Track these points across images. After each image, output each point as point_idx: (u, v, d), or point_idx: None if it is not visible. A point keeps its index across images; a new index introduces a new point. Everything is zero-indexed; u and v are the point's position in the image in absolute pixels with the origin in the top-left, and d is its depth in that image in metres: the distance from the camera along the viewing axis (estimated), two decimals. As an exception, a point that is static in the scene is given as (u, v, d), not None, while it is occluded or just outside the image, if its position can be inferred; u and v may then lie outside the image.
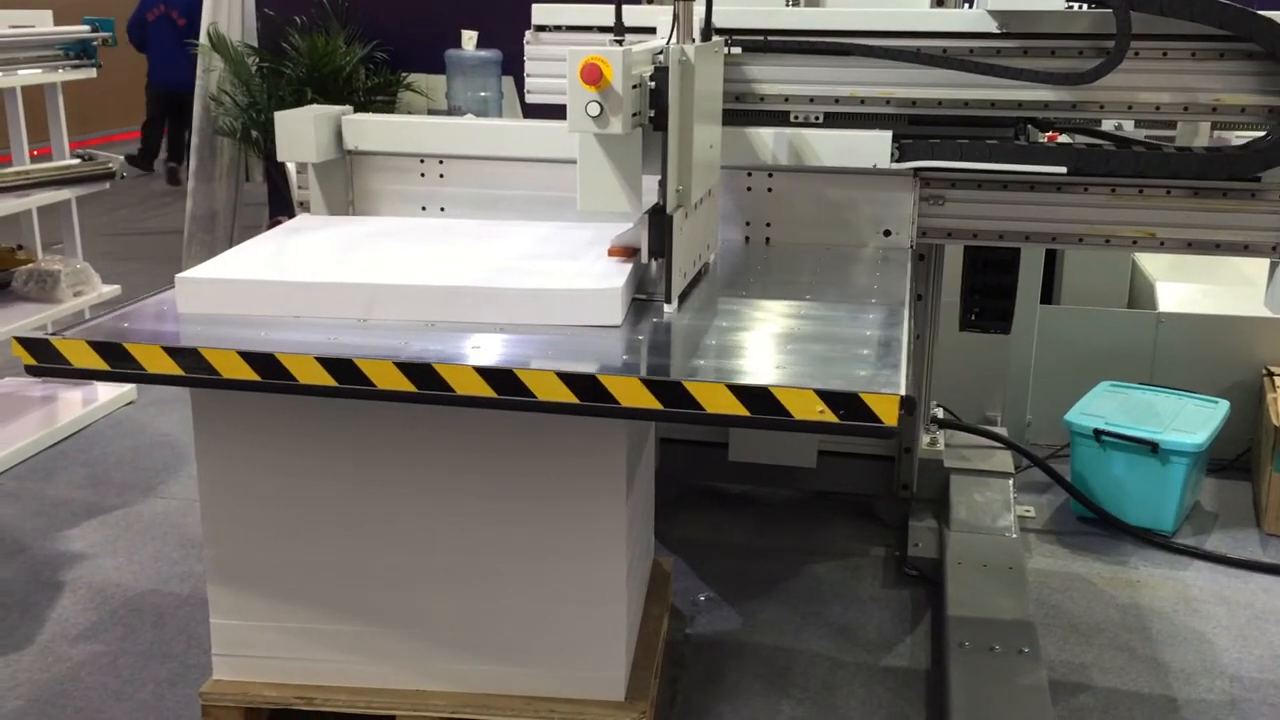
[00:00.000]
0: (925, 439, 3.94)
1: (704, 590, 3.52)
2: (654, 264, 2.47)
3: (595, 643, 2.64)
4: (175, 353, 2.17)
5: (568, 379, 2.04)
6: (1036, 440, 4.50)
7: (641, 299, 2.48)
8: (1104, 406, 4.09)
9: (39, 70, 4.79)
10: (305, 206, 3.25)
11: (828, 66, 3.10)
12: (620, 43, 2.47)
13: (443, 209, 3.19)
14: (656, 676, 2.85)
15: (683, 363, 2.18)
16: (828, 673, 3.12)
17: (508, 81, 7.32)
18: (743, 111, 3.17)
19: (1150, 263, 4.98)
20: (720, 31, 2.92)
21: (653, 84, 2.33)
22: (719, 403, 1.99)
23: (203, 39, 7.15)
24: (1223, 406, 4.07)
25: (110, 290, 4.92)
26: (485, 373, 2.06)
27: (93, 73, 5.00)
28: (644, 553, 3.06)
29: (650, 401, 2.02)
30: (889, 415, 1.93)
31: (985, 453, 4.00)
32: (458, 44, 7.03)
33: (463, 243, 2.80)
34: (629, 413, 2.04)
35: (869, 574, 3.65)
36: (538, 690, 2.66)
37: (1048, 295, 4.85)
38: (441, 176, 3.19)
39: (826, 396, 1.95)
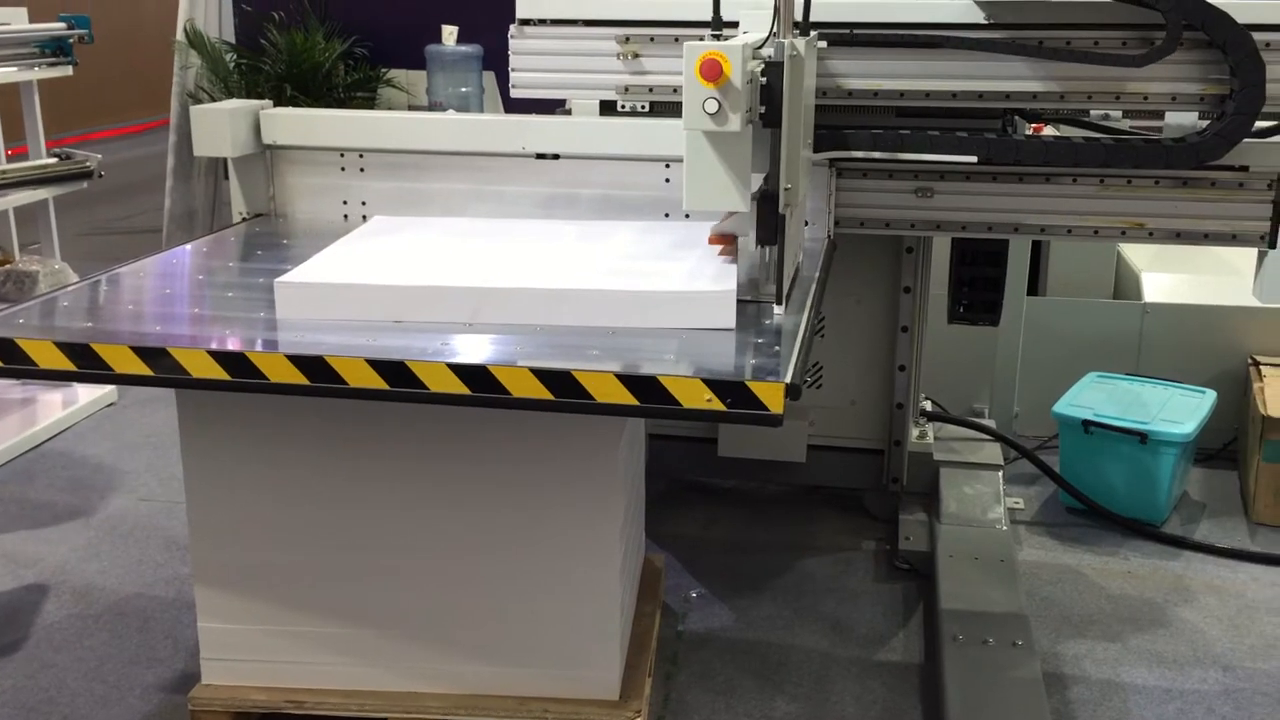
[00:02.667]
0: (914, 432, 3.94)
1: (695, 587, 3.50)
2: (753, 263, 2.43)
3: (588, 642, 2.62)
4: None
5: (458, 370, 2.03)
6: (1024, 432, 4.50)
7: (745, 301, 2.39)
8: (1091, 397, 4.09)
9: (14, 68, 4.73)
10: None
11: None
12: (719, 37, 2.42)
13: (364, 203, 3.17)
14: (649, 675, 2.83)
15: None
16: (821, 668, 3.11)
17: (489, 76, 7.28)
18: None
19: (1135, 253, 4.99)
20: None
21: (764, 79, 2.27)
22: (608, 392, 2.00)
23: (179, 35, 7.09)
24: (1209, 396, 4.08)
25: (89, 290, 4.85)
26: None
27: (69, 70, 4.94)
28: (635, 550, 3.05)
29: (540, 392, 2.02)
30: (774, 403, 1.95)
31: (974, 445, 4.00)
32: (438, 39, 6.99)
33: (552, 244, 2.73)
34: (519, 403, 2.03)
35: (860, 568, 3.64)
36: (531, 690, 2.64)
37: (1034, 287, 4.85)
38: (362, 171, 3.16)
39: (714, 385, 1.97)
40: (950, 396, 4.33)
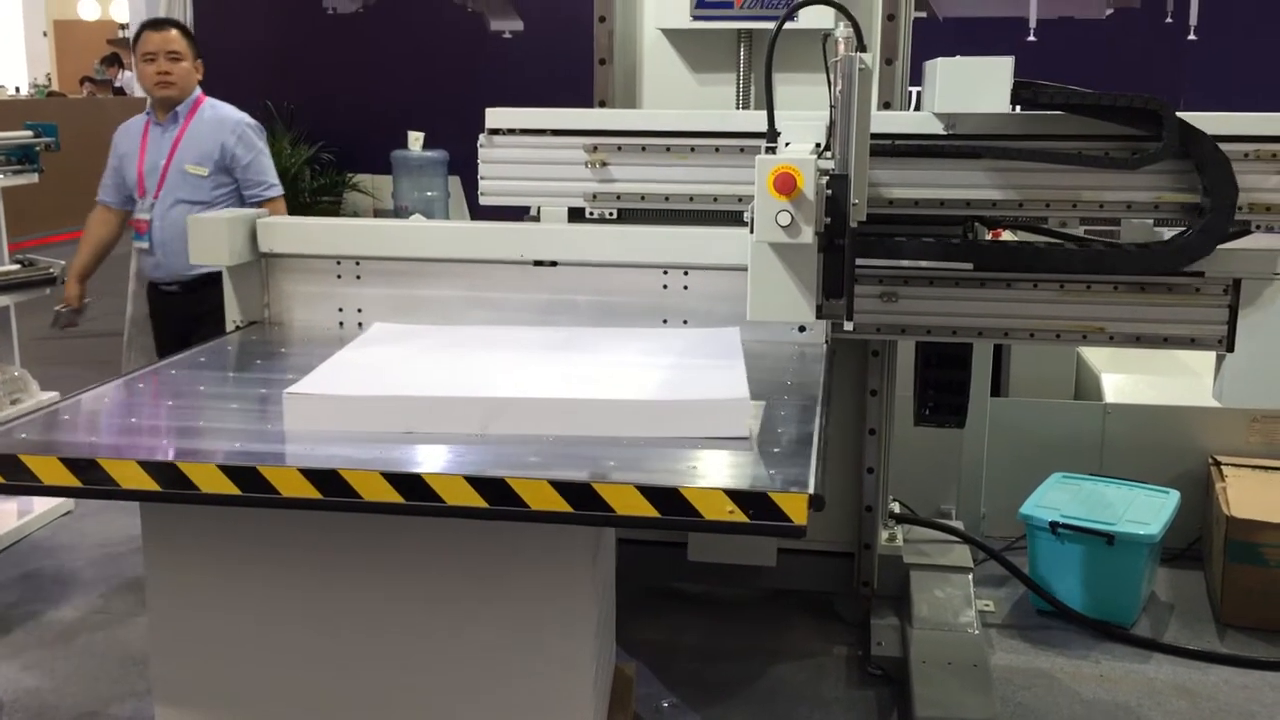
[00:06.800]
0: (884, 534, 3.93)
1: (667, 696, 3.45)
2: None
3: (561, 757, 2.56)
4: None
5: (476, 483, 2.00)
6: (991, 533, 4.50)
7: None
8: (1058, 498, 4.11)
9: (-21, 176, 4.72)
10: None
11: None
12: (773, 150, 2.46)
13: (360, 310, 3.16)
14: (623, 790, 2.77)
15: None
16: (796, 779, 3.06)
17: (454, 181, 7.37)
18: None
19: (1094, 354, 5.06)
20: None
21: (829, 191, 2.31)
22: (629, 505, 1.97)
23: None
24: (1173, 496, 4.11)
25: (49, 396, 4.80)
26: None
27: (35, 178, 4.93)
28: (607, 660, 2.99)
29: (559, 504, 1.99)
30: (798, 514, 1.92)
31: (943, 547, 3.99)
32: (404, 145, 7.09)
33: (559, 352, 2.71)
34: (539, 516, 2.00)
35: (832, 674, 3.60)
36: (502, 809, 2.56)
37: (996, 388, 4.90)
38: (358, 278, 3.16)
39: (736, 496, 1.94)
40: (918, 498, 4.33)
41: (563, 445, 2.19)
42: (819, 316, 2.47)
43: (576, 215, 3.35)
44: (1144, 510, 3.99)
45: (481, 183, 3.35)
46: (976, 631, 3.57)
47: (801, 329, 2.99)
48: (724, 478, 2.02)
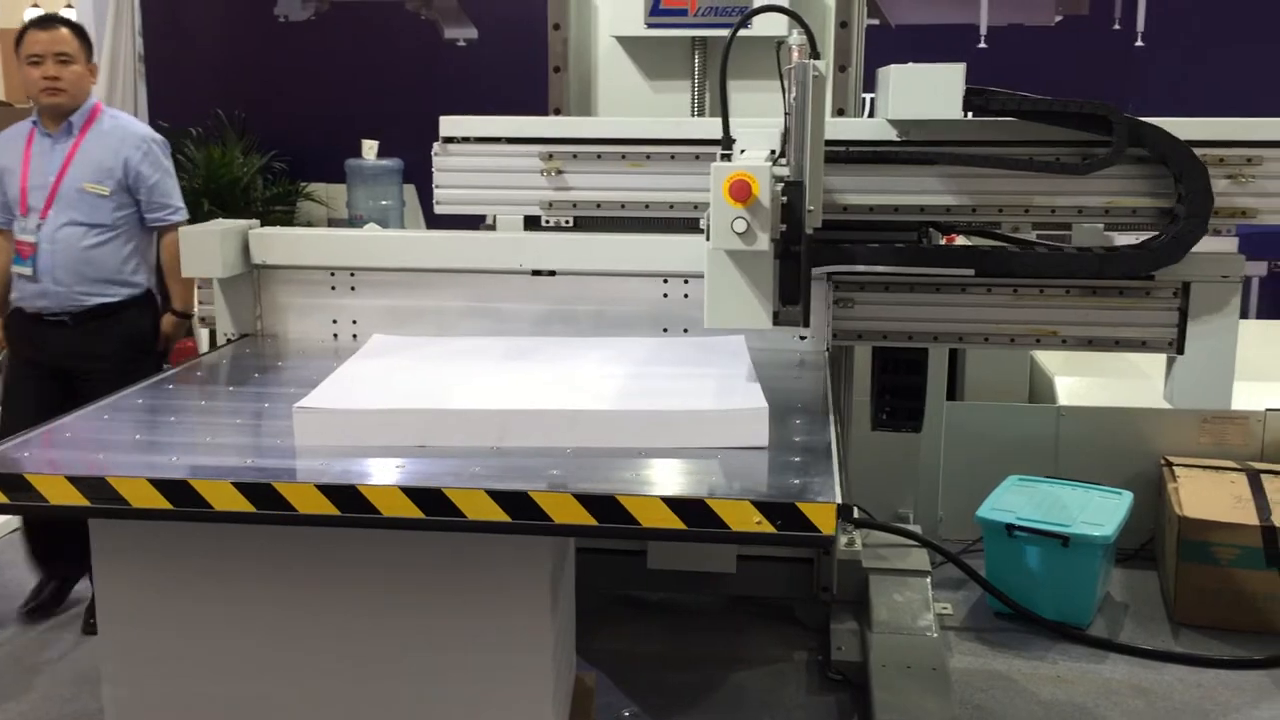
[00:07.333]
0: (842, 539, 3.94)
1: (628, 705, 3.43)
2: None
3: (521, 769, 2.53)
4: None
5: (498, 496, 1.97)
6: (948, 536, 4.53)
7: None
8: (1013, 501, 4.15)
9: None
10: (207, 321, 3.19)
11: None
12: (728, 157, 2.45)
13: (355, 321, 3.14)
14: (584, 801, 2.75)
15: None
16: (758, 786, 3.06)
17: (409, 189, 7.32)
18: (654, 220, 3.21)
19: (1048, 358, 5.11)
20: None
21: (785, 199, 2.30)
22: (654, 517, 1.95)
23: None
24: (1127, 498, 4.16)
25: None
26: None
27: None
28: (567, 669, 2.98)
29: (584, 517, 1.96)
30: (826, 524, 1.92)
31: (902, 551, 4.01)
32: (358, 153, 7.03)
33: (567, 363, 2.67)
34: (563, 530, 1.98)
35: (793, 680, 3.60)
36: (462, 823, 2.54)
37: (952, 392, 4.94)
38: (353, 289, 3.14)
39: (763, 507, 1.92)
40: (875, 503, 4.35)
41: (581, 457, 2.17)
42: (775, 323, 2.47)
43: (532, 223, 3.34)
44: (1098, 511, 4.03)
45: (436, 191, 3.33)
46: (935, 635, 3.59)
47: (802, 336, 3.01)
48: (748, 489, 2.01)
